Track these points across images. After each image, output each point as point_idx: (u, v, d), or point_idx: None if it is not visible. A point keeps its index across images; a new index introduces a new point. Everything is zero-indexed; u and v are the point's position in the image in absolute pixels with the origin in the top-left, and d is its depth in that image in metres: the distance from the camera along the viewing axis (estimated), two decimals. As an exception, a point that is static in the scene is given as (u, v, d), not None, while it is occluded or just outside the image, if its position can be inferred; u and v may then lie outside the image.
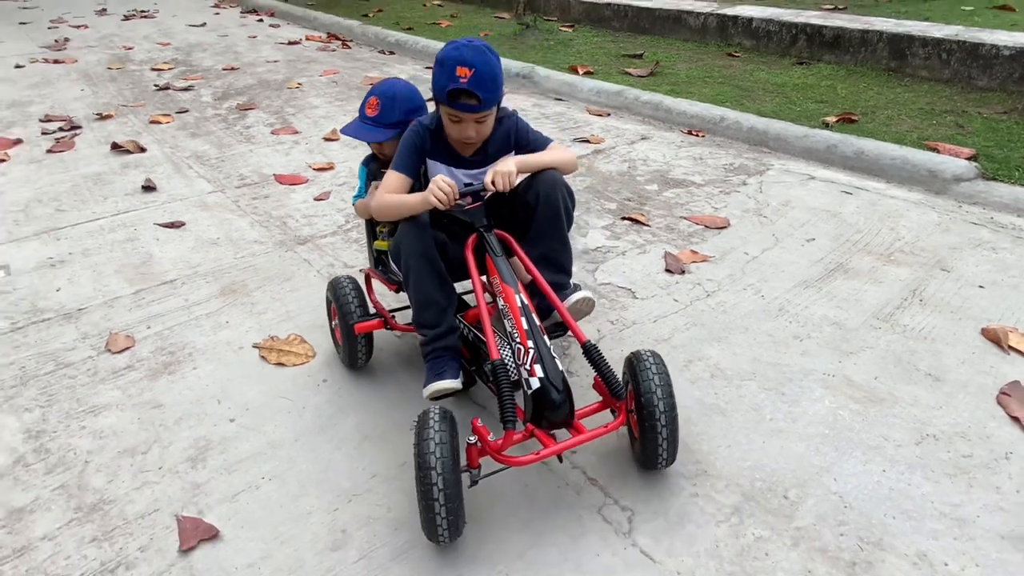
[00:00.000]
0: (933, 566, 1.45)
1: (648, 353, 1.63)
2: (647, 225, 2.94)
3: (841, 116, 3.81)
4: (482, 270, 1.75)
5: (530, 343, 1.56)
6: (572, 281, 1.93)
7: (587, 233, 2.89)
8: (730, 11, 5.53)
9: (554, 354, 1.57)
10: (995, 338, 2.08)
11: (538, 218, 1.80)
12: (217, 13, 8.68)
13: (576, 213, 2.99)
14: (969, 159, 3.16)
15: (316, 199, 3.32)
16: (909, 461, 1.71)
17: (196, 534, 1.59)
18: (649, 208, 3.10)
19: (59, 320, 2.40)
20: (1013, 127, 3.53)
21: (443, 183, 1.66)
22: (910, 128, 3.64)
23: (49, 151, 3.98)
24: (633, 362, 1.63)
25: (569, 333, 1.82)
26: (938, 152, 3.26)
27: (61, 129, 4.35)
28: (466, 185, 1.83)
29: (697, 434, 1.82)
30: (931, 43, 4.31)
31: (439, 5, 8.17)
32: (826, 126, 3.71)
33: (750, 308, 2.33)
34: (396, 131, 1.94)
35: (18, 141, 4.13)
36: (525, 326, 1.58)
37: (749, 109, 4.06)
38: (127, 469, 1.78)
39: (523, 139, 1.86)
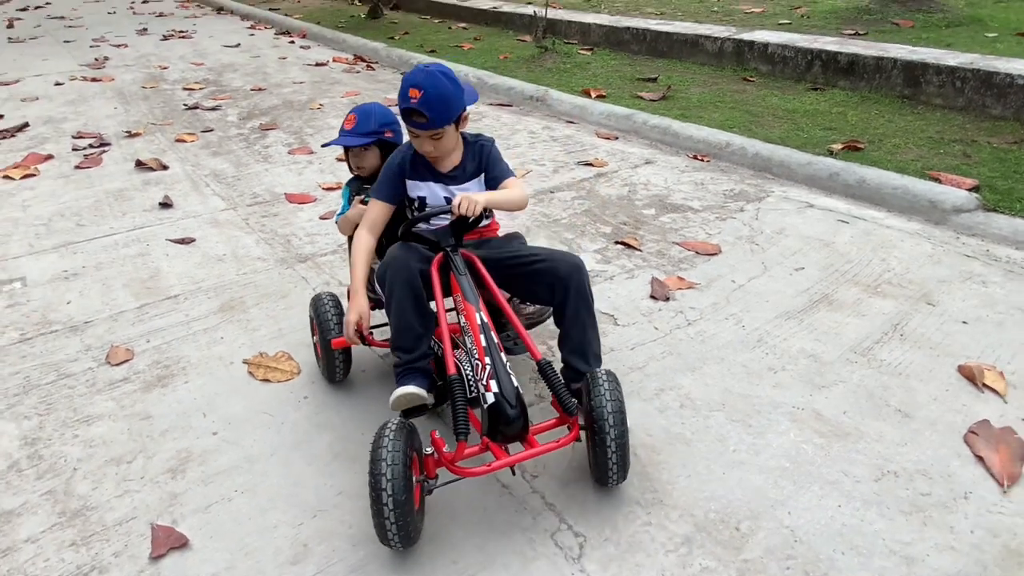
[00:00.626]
0: (875, 604, 1.45)
1: (603, 372, 1.70)
2: (639, 250, 2.98)
3: (847, 144, 3.80)
4: (448, 289, 1.84)
5: (487, 360, 1.64)
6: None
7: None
8: (747, 36, 5.55)
9: (510, 371, 1.65)
10: (970, 375, 2.06)
11: (569, 310, 1.86)
12: (252, 34, 8.97)
13: (570, 236, 3.12)
14: (971, 190, 3.14)
15: (322, 218, 3.43)
16: (866, 497, 1.71)
17: (167, 542, 1.67)
18: (643, 232, 3.13)
19: (66, 332, 2.53)
20: (1021, 157, 3.48)
21: (348, 326, 1.90)
22: (916, 157, 3.61)
23: (77, 167, 4.18)
24: (588, 380, 1.71)
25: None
26: (940, 182, 3.23)
27: (91, 146, 4.56)
28: (444, 196, 1.96)
29: (658, 463, 1.85)
30: (945, 71, 4.28)
31: (464, 28, 8.33)
32: (831, 154, 3.71)
33: (729, 338, 2.35)
34: (371, 139, 2.10)
35: (49, 157, 4.35)
36: (483, 343, 1.67)
37: (756, 135, 4.07)
38: (112, 477, 1.88)
39: (489, 164, 1.99)
